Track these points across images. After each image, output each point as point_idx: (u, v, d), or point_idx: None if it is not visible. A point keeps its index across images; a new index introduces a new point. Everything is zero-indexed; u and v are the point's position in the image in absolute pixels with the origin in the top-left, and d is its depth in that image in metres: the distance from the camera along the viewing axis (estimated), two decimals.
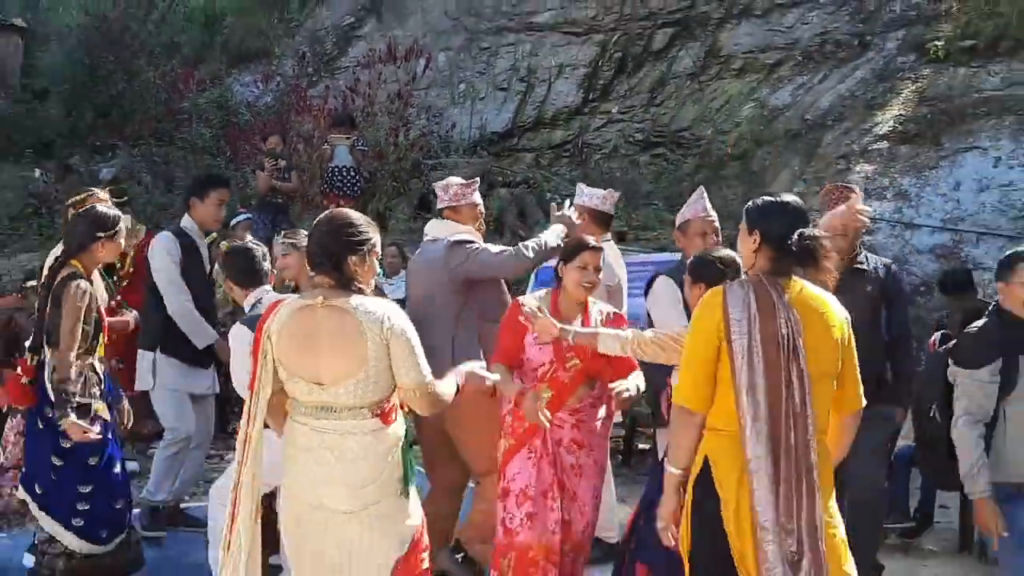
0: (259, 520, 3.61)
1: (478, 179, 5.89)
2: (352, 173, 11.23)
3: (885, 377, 5.30)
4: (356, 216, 3.65)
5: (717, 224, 5.53)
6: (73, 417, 4.93)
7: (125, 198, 8.09)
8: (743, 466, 3.43)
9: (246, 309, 4.97)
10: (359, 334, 3.44)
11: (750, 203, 3.78)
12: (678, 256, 5.79)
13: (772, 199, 3.73)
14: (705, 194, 5.71)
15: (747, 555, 3.45)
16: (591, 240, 4.91)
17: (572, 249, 4.80)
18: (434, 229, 5.37)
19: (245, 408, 3.61)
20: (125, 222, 5.49)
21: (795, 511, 3.40)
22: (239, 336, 4.82)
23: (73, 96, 15.46)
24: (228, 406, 8.70)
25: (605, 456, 4.88)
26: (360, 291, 3.55)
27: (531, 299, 4.84)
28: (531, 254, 5.14)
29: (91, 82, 15.23)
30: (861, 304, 5.05)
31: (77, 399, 4.97)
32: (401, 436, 3.59)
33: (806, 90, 14.15)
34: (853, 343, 3.70)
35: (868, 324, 4.99)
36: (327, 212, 3.75)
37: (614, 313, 4.89)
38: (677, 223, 5.63)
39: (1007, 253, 4.85)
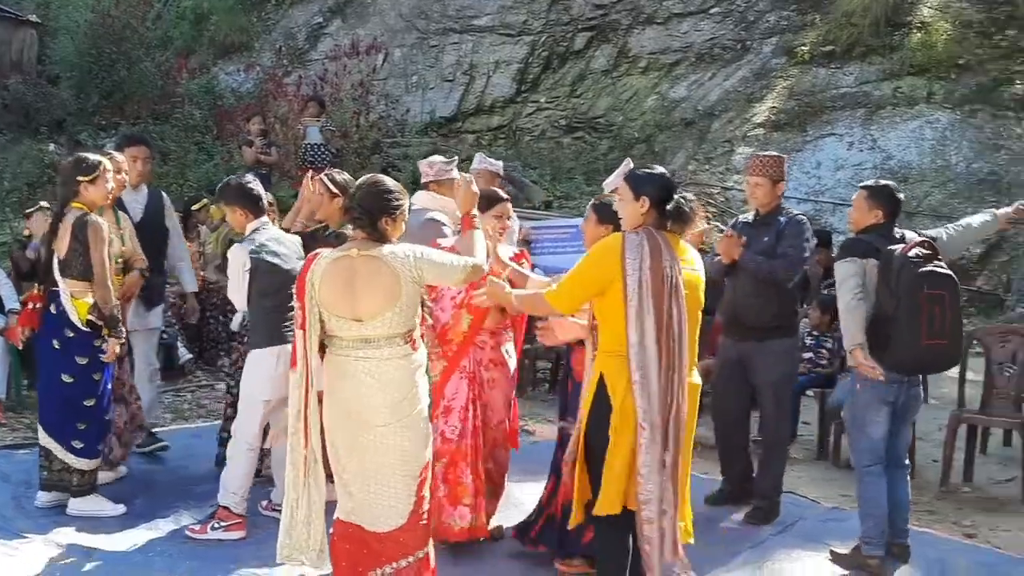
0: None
1: (456, 157, 5.93)
2: (322, 149, 11.20)
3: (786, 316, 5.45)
4: (392, 183, 3.63)
5: None
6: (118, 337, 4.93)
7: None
8: (629, 379, 3.57)
9: (246, 234, 4.86)
10: (392, 275, 3.45)
11: (634, 173, 3.83)
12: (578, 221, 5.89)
13: (651, 170, 3.81)
14: (631, 163, 5.92)
15: (622, 446, 3.59)
16: (502, 192, 4.98)
17: (487, 200, 4.75)
18: (421, 200, 5.30)
19: (299, 345, 3.56)
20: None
21: (670, 413, 3.59)
22: (236, 255, 4.80)
23: (81, 81, 15.05)
24: (205, 342, 8.73)
25: (513, 366, 4.88)
26: (390, 242, 3.56)
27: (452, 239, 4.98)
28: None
29: (97, 70, 14.83)
30: (761, 249, 5.31)
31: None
32: (424, 361, 3.63)
33: (698, 85, 14.30)
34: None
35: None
36: (369, 176, 3.70)
37: (517, 252, 4.86)
38: (607, 189, 5.74)
39: None
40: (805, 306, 8.04)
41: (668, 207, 3.74)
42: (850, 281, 4.61)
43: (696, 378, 3.88)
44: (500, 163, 6.47)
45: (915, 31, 13.58)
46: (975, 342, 7.02)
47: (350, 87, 13.69)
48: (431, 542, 3.71)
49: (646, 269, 3.57)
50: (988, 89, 12.80)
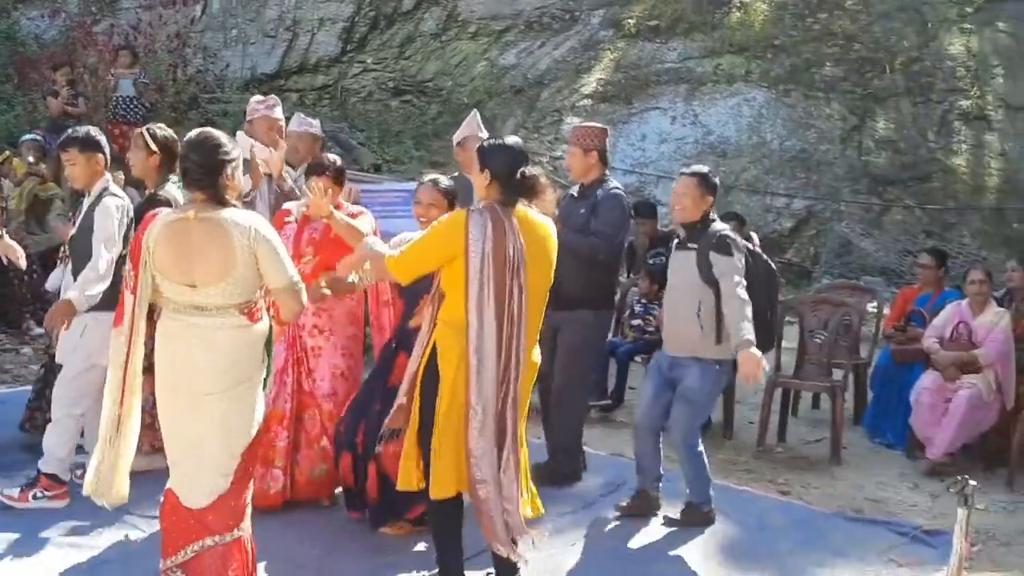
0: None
1: (275, 96, 5.86)
2: (135, 103, 10.79)
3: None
4: (222, 136, 3.47)
5: None
6: None
7: None
8: (461, 353, 3.58)
9: (93, 190, 4.61)
10: (228, 242, 3.30)
11: (482, 144, 3.84)
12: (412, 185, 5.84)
13: (499, 143, 3.80)
14: (478, 116, 6.02)
15: (449, 431, 3.60)
16: (336, 159, 4.91)
17: (315, 167, 4.71)
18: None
19: (127, 307, 3.43)
20: None
21: (507, 397, 3.60)
22: (116, 209, 4.54)
23: None
24: (7, 303, 8.27)
25: (352, 339, 4.85)
26: (229, 204, 3.41)
27: (295, 205, 4.91)
28: None
29: None
30: (577, 222, 5.40)
31: None
32: (265, 333, 3.48)
33: (528, 54, 14.43)
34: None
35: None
36: (198, 132, 3.48)
37: (356, 213, 4.83)
38: (455, 140, 5.92)
39: None
40: (632, 275, 8.32)
41: (515, 181, 3.71)
42: (739, 276, 4.76)
43: (536, 356, 3.90)
44: (317, 122, 6.27)
45: (735, 10, 14.21)
46: (790, 311, 7.47)
47: (165, 39, 13.11)
48: (247, 527, 3.52)
49: (488, 249, 3.55)
50: (801, 70, 13.54)
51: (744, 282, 4.77)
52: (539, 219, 3.83)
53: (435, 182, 4.56)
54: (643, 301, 7.47)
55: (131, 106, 10.73)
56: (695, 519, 5.02)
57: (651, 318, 7.34)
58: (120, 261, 4.50)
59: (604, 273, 5.55)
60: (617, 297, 7.41)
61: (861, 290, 7.19)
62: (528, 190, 3.75)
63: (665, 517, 5.06)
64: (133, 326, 3.45)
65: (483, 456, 3.61)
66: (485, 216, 3.63)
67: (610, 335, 7.64)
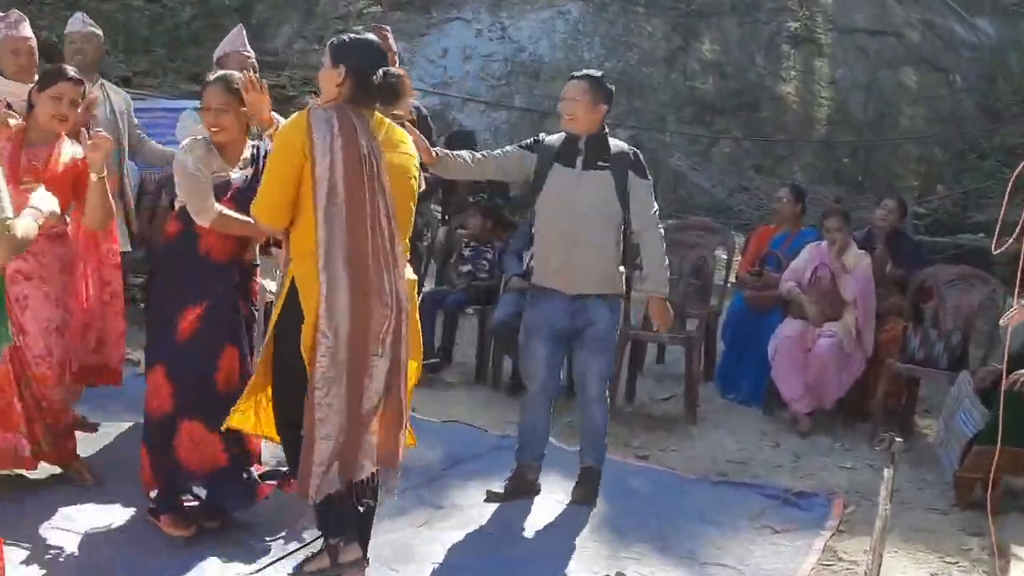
0: None
1: (17, 10, 5.56)
2: None
3: None
4: None
5: (254, 60, 5.59)
6: None
7: None
8: (319, 287, 3.57)
9: None
10: None
11: (335, 39, 3.81)
12: (193, 103, 5.37)
13: (360, 37, 3.81)
14: (244, 32, 5.80)
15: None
16: (72, 71, 4.59)
17: (49, 76, 4.49)
18: None
19: None
20: None
21: (367, 316, 3.57)
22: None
23: None
24: None
25: (67, 291, 4.58)
26: None
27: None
28: None
29: None
30: None
31: None
32: None
33: None
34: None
35: None
36: None
37: (82, 160, 4.50)
38: (216, 58, 5.61)
39: None
40: (450, 215, 8.34)
41: (375, 80, 3.69)
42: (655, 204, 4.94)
43: (410, 273, 3.91)
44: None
45: None
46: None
47: None
48: None
49: (337, 150, 3.51)
50: None
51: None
52: (398, 128, 3.86)
53: (225, 81, 4.34)
54: (472, 244, 7.47)
55: None
56: (593, 487, 5.06)
57: (483, 262, 7.37)
58: None
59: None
60: (439, 239, 7.43)
61: (711, 230, 7.49)
62: (389, 93, 3.72)
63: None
64: None
65: (328, 387, 3.55)
66: (331, 114, 3.60)
67: (432, 283, 7.70)
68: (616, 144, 4.98)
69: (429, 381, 6.87)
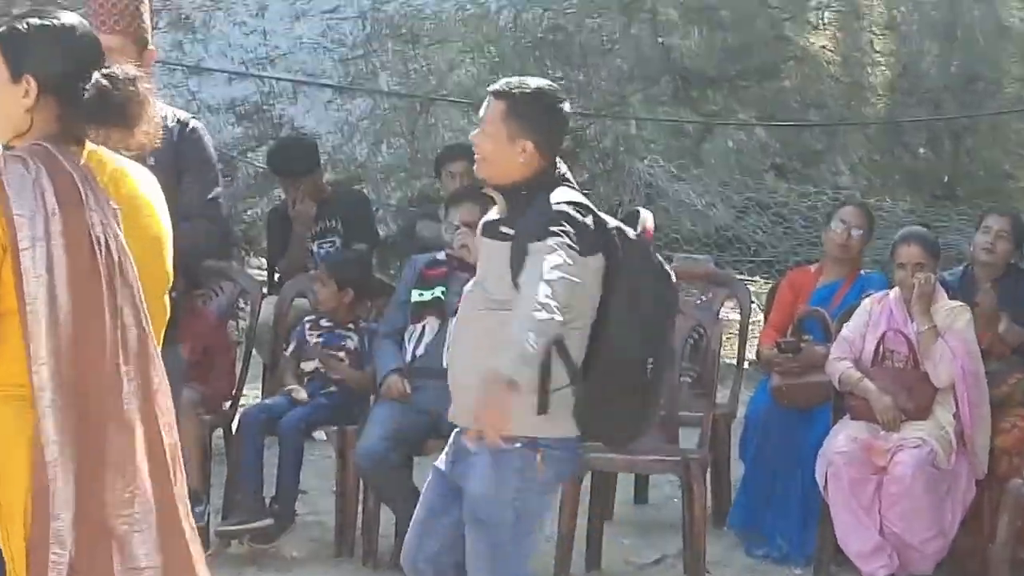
0: None
1: None
2: None
3: None
4: None
5: None
6: None
7: None
8: (31, 436, 3.28)
9: None
10: None
11: (3, 29, 3.49)
12: None
13: (42, 20, 3.53)
14: None
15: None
16: None
17: None
18: None
19: None
20: None
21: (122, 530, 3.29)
22: None
23: None
24: None
25: None
26: None
27: None
28: None
29: None
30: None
31: None
32: None
33: None
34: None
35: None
36: None
37: None
38: None
39: None
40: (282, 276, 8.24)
41: (83, 93, 3.41)
42: (559, 273, 4.82)
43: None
44: None
45: None
46: None
47: None
48: None
49: (56, 234, 3.28)
50: None
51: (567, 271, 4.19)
52: (124, 164, 3.56)
53: None
54: (323, 324, 7.20)
55: None
56: None
57: (341, 355, 7.07)
58: None
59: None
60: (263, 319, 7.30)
61: (711, 279, 7.27)
62: (116, 112, 3.50)
63: None
64: None
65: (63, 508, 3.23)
66: (35, 171, 3.25)
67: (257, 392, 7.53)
68: (555, 196, 4.55)
69: (259, 557, 6.63)
